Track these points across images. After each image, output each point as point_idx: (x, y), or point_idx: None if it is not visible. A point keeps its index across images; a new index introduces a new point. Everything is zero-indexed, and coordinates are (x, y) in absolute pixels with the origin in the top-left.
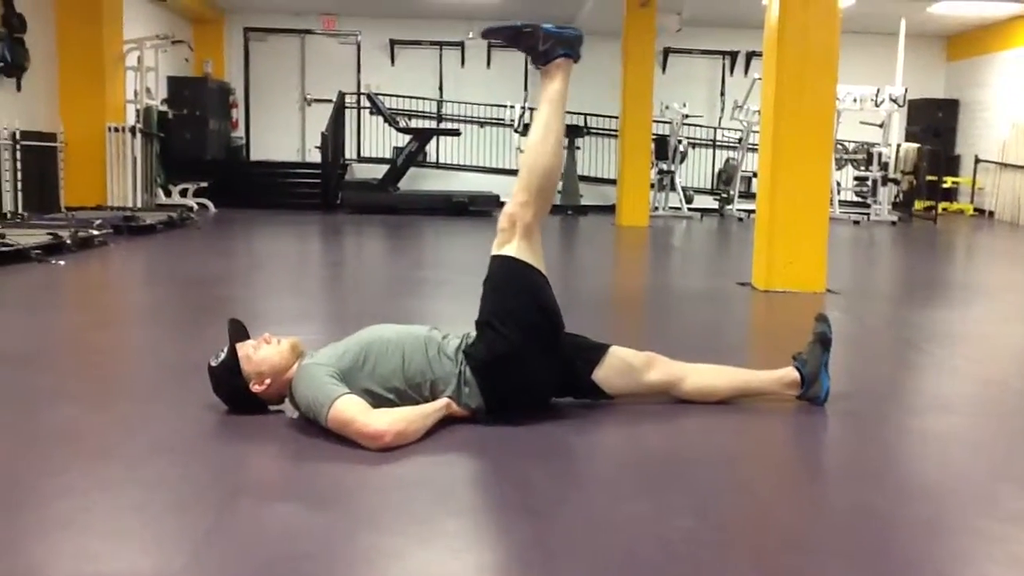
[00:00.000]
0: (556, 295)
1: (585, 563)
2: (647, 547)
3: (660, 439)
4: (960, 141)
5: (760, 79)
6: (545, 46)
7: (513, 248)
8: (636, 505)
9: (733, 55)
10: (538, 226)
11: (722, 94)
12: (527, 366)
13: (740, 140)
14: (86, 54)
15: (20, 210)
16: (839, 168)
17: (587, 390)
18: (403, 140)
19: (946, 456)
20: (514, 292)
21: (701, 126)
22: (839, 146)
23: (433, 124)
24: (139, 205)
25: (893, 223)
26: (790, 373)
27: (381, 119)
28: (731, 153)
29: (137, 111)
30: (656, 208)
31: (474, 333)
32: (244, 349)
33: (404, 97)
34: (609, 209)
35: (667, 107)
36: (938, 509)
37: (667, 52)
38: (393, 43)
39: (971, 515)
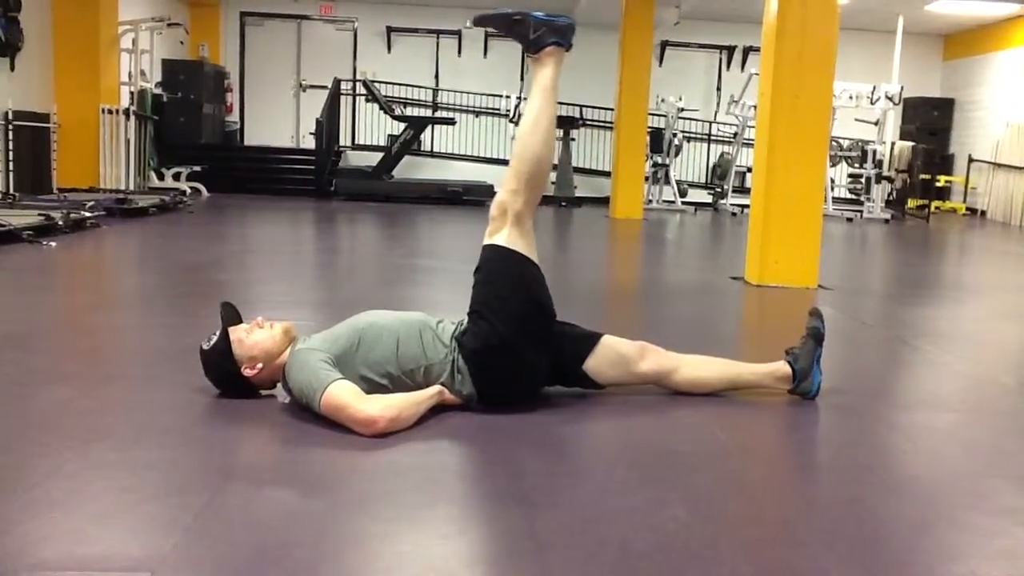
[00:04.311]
0: (549, 287)
1: (576, 553)
2: (640, 538)
3: (652, 430)
4: (955, 140)
5: (757, 74)
6: (536, 34)
7: (504, 237)
8: (628, 496)
9: (730, 49)
10: (530, 215)
11: (718, 88)
12: (518, 356)
13: (735, 135)
14: (81, 35)
15: (12, 191)
16: (833, 165)
17: (577, 379)
18: (398, 128)
19: (936, 452)
20: (506, 283)
21: (697, 120)
22: (834, 143)
23: (428, 112)
24: (132, 188)
25: (886, 221)
26: (782, 367)
27: (376, 106)
28: (726, 148)
29: (131, 93)
30: (650, 201)
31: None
32: (236, 333)
33: (400, 85)
34: (603, 201)
35: (663, 100)
36: (928, 503)
37: (664, 45)
38: (390, 30)
39: (960, 510)
